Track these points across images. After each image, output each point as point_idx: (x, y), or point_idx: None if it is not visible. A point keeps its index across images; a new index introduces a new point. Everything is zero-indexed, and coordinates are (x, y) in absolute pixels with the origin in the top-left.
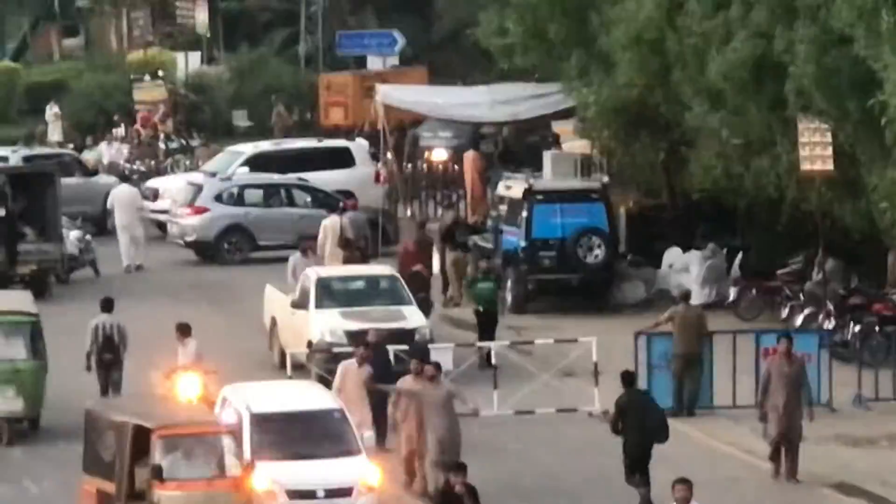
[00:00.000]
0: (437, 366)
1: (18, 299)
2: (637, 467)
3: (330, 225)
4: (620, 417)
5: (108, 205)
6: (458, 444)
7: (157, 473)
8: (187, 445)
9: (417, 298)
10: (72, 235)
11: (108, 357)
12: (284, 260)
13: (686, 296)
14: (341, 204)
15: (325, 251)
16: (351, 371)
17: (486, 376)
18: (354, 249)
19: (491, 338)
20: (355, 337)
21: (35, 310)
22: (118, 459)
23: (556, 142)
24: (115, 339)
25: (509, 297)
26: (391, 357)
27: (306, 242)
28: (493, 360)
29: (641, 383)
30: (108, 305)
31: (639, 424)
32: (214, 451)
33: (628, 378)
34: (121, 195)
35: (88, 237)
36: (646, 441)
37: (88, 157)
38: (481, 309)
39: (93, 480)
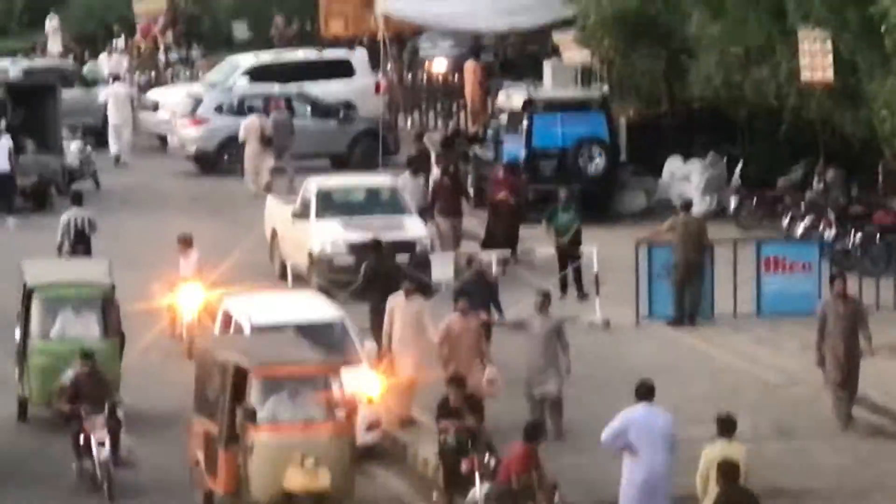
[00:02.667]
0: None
1: (94, 269)
2: None
3: (250, 125)
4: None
5: (101, 100)
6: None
7: (251, 416)
8: (289, 386)
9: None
10: (72, 147)
11: (81, 248)
12: (285, 171)
13: (687, 205)
14: (264, 106)
15: (247, 151)
16: (399, 305)
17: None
18: (272, 146)
19: (577, 278)
20: (356, 247)
21: (109, 280)
22: (220, 400)
23: (554, 52)
24: (86, 231)
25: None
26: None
27: None
28: (495, 272)
29: (642, 293)
30: (77, 199)
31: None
32: (319, 392)
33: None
34: (114, 93)
35: (89, 149)
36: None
37: (93, 67)
38: (565, 242)
39: (201, 420)
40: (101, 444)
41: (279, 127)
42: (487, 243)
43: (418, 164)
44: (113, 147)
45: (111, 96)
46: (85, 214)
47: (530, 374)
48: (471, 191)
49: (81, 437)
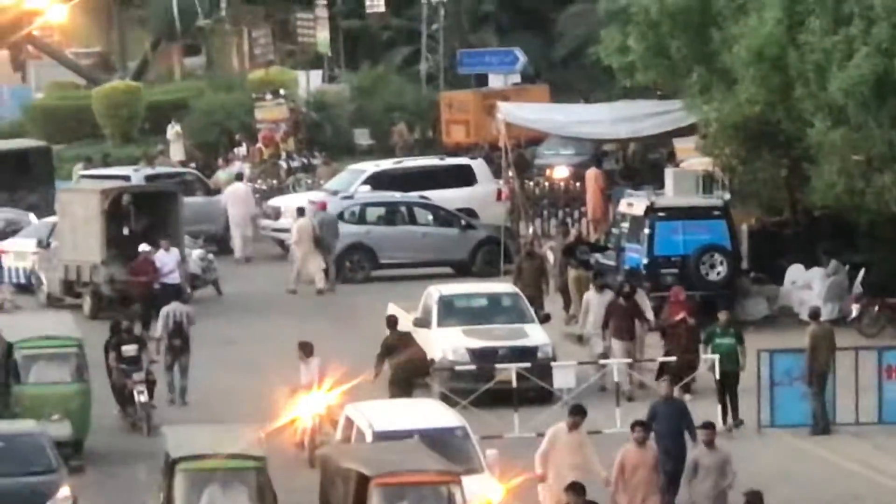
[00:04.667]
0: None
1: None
2: None
3: (301, 226)
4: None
5: (223, 202)
6: None
7: None
8: (411, 495)
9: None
10: (194, 254)
11: (177, 343)
12: (407, 279)
13: (816, 314)
14: (311, 205)
15: (299, 252)
16: (561, 436)
17: (607, 396)
18: (327, 246)
19: (734, 405)
20: (477, 355)
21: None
22: None
23: (672, 158)
24: (184, 325)
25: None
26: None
27: None
28: (616, 377)
29: (764, 400)
30: (177, 294)
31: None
32: (440, 501)
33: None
34: (234, 192)
35: (211, 256)
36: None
37: (221, 176)
38: (722, 371)
39: None
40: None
41: (325, 227)
42: (665, 368)
43: (605, 281)
44: (237, 251)
45: (231, 195)
46: (184, 309)
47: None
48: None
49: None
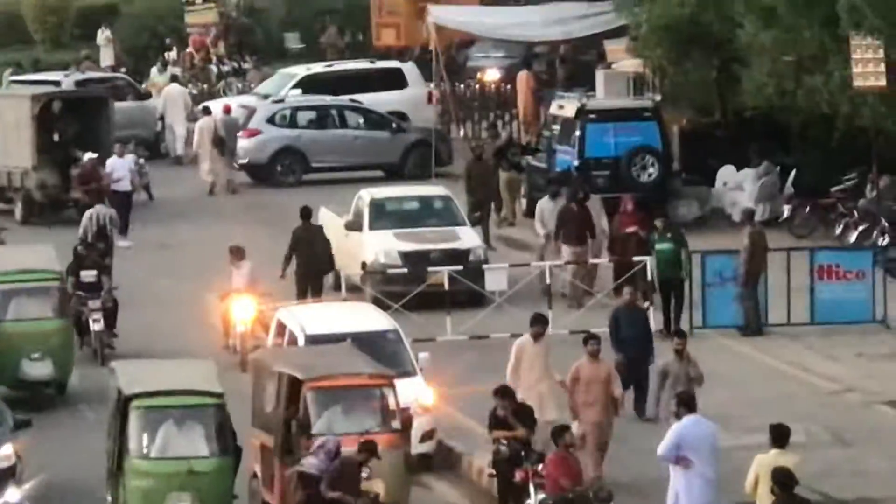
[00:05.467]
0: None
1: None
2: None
3: (204, 126)
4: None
5: (160, 105)
6: None
7: (305, 428)
8: (343, 398)
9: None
10: (126, 159)
11: (101, 243)
12: (339, 182)
13: (751, 215)
14: (221, 108)
15: (201, 151)
16: (527, 348)
17: (541, 297)
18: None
19: (677, 312)
20: (409, 258)
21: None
22: (275, 413)
23: (602, 59)
24: (107, 227)
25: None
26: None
27: None
28: (548, 281)
29: (696, 301)
30: (100, 198)
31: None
32: (373, 404)
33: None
34: (170, 92)
35: (142, 161)
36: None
37: (157, 80)
38: (662, 277)
39: (257, 433)
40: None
41: (227, 129)
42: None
43: (558, 186)
44: (179, 150)
45: (167, 95)
46: (108, 212)
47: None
48: (523, 201)
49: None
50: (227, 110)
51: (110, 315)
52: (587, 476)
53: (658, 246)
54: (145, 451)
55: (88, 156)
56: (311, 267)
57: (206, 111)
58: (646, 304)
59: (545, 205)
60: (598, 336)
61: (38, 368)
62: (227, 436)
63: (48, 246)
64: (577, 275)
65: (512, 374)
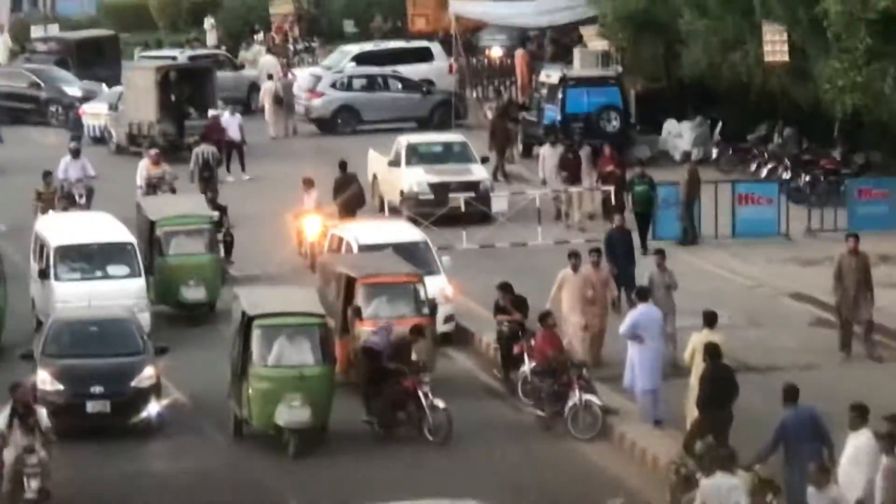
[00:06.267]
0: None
1: (197, 202)
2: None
3: (267, 89)
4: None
5: (259, 70)
6: None
7: (357, 313)
8: (386, 291)
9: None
10: (225, 114)
11: (206, 174)
12: (383, 131)
13: (689, 156)
14: (277, 74)
15: (266, 106)
16: (568, 277)
17: (532, 215)
18: (283, 104)
19: (644, 234)
20: (435, 187)
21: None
22: (336, 301)
23: (579, 41)
24: (210, 162)
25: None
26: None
27: None
28: (538, 204)
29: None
30: (204, 137)
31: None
32: (408, 295)
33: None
34: (268, 61)
35: (238, 115)
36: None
37: (245, 55)
38: (638, 209)
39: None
40: None
41: (285, 90)
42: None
43: (555, 136)
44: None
45: (264, 64)
46: (211, 149)
47: None
48: (520, 145)
49: None
50: (285, 74)
51: (228, 247)
52: (578, 355)
53: (637, 188)
54: (265, 360)
55: (212, 113)
56: (347, 204)
57: (269, 77)
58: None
59: (546, 151)
60: (600, 249)
61: (194, 293)
62: (328, 348)
63: (201, 197)
64: (571, 204)
65: (553, 301)
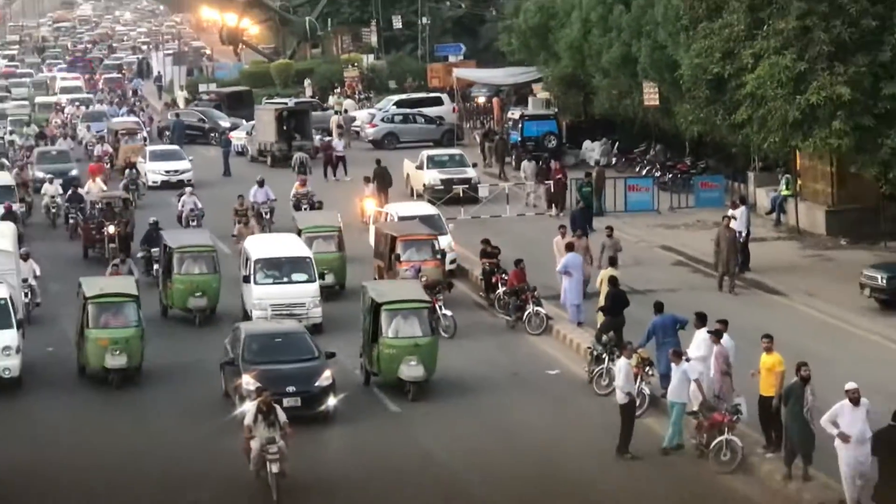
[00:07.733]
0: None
1: (328, 216)
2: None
3: (333, 120)
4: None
5: (343, 108)
6: None
7: (398, 258)
8: (415, 245)
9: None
10: (316, 138)
11: (301, 170)
12: (413, 148)
13: (598, 163)
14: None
15: (333, 132)
16: (559, 241)
17: (503, 199)
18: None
19: (588, 224)
20: (444, 181)
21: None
22: (385, 250)
23: (531, 93)
24: (307, 164)
25: (533, 167)
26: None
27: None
28: (507, 192)
29: (570, 204)
30: (299, 148)
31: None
32: (428, 246)
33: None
34: (348, 103)
35: (326, 138)
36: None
37: (330, 101)
38: (583, 204)
39: (376, 261)
40: None
41: (347, 122)
42: (553, 201)
43: (531, 155)
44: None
45: (347, 105)
46: (304, 155)
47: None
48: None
49: None
50: (346, 112)
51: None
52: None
53: (583, 189)
54: (390, 333)
55: (324, 138)
56: (382, 190)
57: (336, 112)
58: (555, 212)
59: (526, 164)
60: (564, 224)
61: (325, 282)
62: (433, 324)
63: (333, 212)
64: (538, 193)
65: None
